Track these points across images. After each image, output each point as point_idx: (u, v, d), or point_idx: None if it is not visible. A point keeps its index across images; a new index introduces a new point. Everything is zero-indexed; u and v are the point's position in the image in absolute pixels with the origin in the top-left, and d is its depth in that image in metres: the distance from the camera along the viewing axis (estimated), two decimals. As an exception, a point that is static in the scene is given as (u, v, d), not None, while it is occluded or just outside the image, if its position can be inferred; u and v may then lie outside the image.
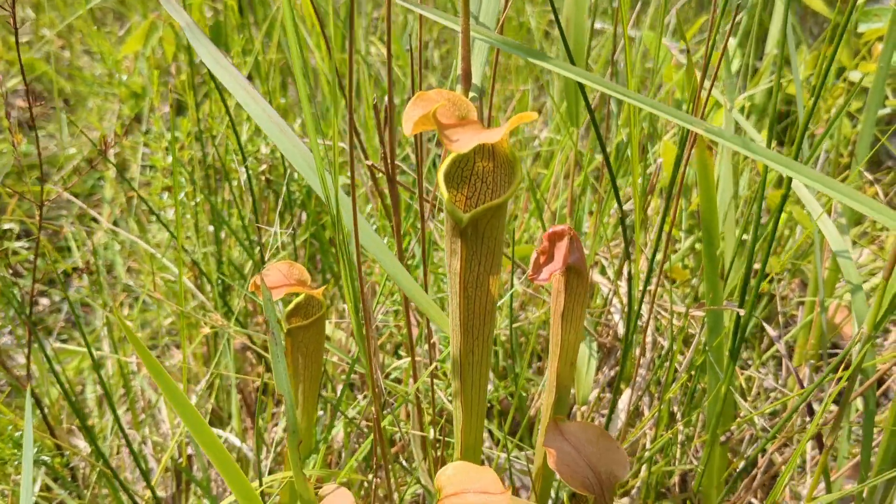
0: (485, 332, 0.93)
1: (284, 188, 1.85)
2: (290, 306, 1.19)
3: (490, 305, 0.93)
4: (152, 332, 2.21)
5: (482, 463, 1.23)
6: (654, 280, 1.62)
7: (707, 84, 1.30)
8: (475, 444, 1.01)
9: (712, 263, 1.34)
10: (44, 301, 2.48)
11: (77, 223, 2.57)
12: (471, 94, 1.00)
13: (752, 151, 0.91)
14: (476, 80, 1.00)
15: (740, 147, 0.92)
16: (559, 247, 1.08)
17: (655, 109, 0.95)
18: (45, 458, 1.62)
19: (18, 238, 2.57)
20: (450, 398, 1.48)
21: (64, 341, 2.29)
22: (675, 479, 1.64)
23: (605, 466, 0.99)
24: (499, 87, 2.64)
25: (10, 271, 2.00)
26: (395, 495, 1.34)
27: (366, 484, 1.54)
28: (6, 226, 2.56)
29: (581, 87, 1.21)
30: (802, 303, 1.86)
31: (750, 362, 1.89)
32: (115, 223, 2.51)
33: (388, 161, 1.16)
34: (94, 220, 2.55)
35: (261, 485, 1.21)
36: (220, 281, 1.95)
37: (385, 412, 1.35)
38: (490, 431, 1.73)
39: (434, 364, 1.30)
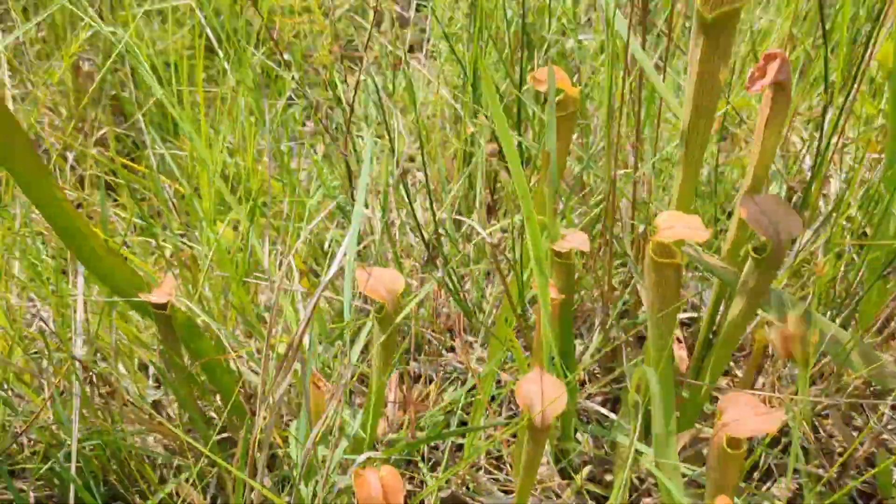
0: (710, 109, 1.30)
1: None
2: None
3: (717, 90, 1.29)
4: None
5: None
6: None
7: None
8: (689, 199, 1.40)
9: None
10: None
11: None
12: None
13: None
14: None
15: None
16: (771, 66, 1.40)
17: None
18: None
19: None
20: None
21: None
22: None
23: (783, 224, 1.34)
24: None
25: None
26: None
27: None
28: None
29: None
30: None
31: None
32: None
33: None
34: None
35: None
36: None
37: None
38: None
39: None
